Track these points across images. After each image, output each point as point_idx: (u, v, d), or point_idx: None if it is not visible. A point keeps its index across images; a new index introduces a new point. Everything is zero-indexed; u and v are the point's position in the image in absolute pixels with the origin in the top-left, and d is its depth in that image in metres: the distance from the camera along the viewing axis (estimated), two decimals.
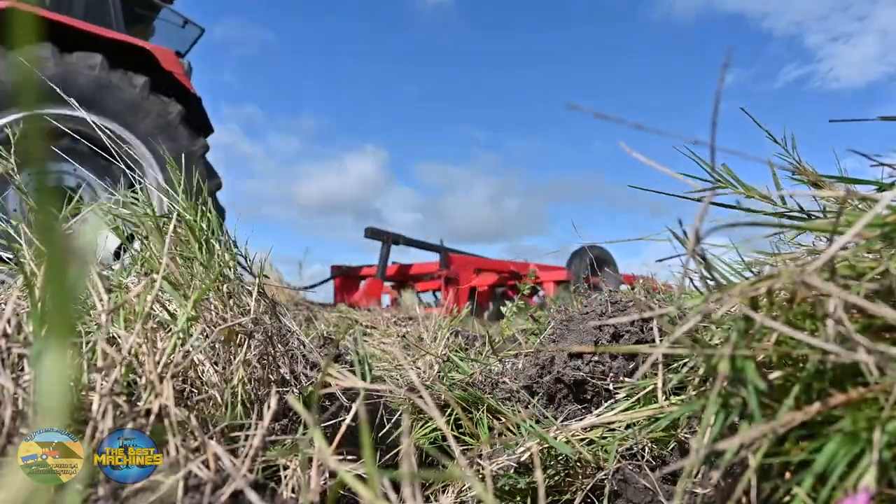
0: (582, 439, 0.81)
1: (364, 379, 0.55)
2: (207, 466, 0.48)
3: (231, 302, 0.73)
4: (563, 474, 0.78)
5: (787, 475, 0.42)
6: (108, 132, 0.96)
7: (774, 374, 0.43)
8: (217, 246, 0.79)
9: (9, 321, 0.52)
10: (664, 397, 0.78)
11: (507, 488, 0.76)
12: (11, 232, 0.84)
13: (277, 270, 5.59)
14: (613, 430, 0.82)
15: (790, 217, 0.50)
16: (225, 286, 0.73)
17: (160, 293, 0.66)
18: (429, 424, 1.01)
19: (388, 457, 0.87)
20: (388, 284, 6.44)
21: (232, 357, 0.66)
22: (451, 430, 0.94)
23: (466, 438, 0.94)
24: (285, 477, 0.54)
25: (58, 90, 0.90)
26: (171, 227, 0.72)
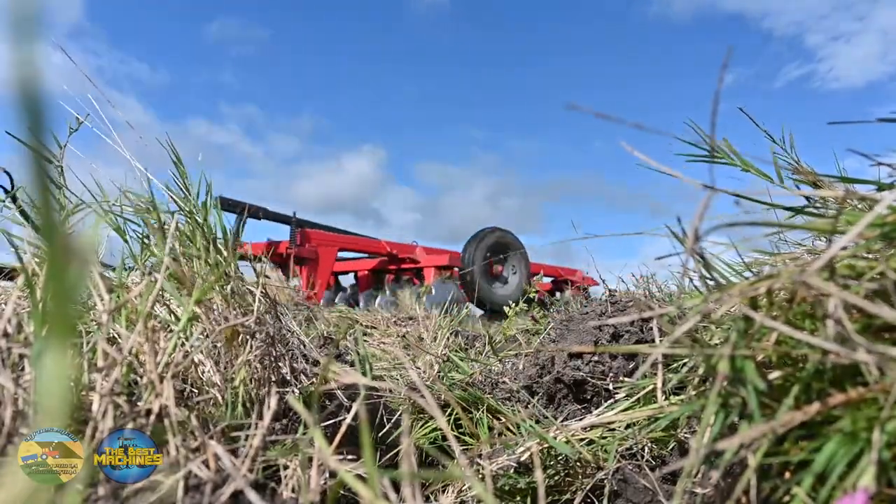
0: (582, 439, 0.81)
1: (364, 377, 0.55)
2: (207, 466, 0.48)
3: (234, 301, 0.73)
4: (562, 474, 0.78)
5: (787, 475, 0.42)
6: None
7: (774, 374, 0.43)
8: (221, 244, 0.79)
9: (9, 321, 0.52)
10: (664, 397, 0.78)
11: (507, 488, 0.76)
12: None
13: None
14: (613, 429, 0.83)
15: (791, 210, 0.50)
16: (229, 285, 0.73)
17: (162, 292, 0.66)
18: (429, 424, 1.02)
19: (388, 456, 0.87)
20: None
21: (234, 357, 0.66)
22: (451, 429, 0.94)
23: (466, 438, 0.94)
24: (285, 477, 0.54)
25: None
26: (174, 225, 0.72)
